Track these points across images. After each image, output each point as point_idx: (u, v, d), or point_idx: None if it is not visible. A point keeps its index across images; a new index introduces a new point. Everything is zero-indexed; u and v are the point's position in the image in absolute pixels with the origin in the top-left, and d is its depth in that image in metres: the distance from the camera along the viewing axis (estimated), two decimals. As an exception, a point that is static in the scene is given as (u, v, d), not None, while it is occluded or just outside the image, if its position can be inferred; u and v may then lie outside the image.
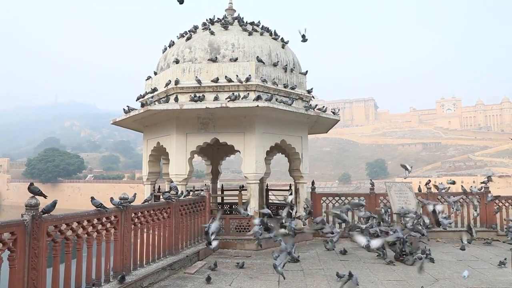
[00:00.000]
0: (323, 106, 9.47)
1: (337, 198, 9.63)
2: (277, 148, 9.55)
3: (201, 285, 5.40)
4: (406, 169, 7.53)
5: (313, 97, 9.61)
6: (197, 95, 7.87)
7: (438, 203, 6.63)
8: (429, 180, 10.09)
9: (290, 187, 11.01)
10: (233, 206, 11.23)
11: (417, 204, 8.44)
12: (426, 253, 6.82)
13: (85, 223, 4.40)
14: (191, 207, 7.01)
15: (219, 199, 11.14)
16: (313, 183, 10.09)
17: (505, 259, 6.43)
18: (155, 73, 9.37)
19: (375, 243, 5.16)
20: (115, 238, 4.89)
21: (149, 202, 6.34)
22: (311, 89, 9.45)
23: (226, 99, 7.67)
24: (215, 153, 11.75)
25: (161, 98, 8.43)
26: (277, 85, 8.51)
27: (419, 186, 10.19)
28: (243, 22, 9.29)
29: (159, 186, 9.89)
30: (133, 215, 5.24)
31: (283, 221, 5.99)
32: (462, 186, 9.32)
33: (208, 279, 5.44)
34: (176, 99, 7.97)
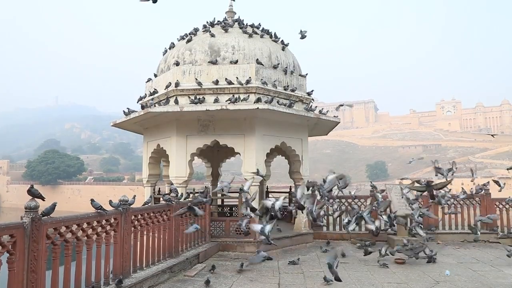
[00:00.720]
0: (322, 109, 9.49)
1: (337, 200, 9.59)
2: (277, 150, 9.55)
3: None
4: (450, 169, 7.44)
5: (312, 99, 9.62)
6: (198, 97, 7.87)
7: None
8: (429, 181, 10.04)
9: (290, 189, 11.00)
10: (233, 209, 11.22)
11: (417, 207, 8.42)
12: (432, 255, 6.83)
13: (84, 225, 4.39)
14: (191, 210, 6.99)
15: (219, 201, 11.12)
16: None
17: None
18: (155, 75, 9.38)
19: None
20: (114, 240, 4.88)
21: (149, 204, 6.33)
22: (311, 91, 9.46)
23: (226, 101, 7.67)
24: (215, 155, 11.75)
25: (161, 100, 8.43)
26: (277, 87, 8.52)
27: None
28: (243, 24, 9.31)
29: (159, 188, 9.88)
30: (133, 217, 5.23)
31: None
32: (462, 188, 9.30)
33: (207, 282, 5.42)
34: (176, 101, 7.97)
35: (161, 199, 7.26)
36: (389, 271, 6.26)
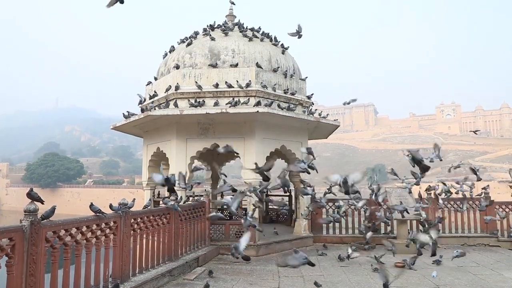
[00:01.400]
0: (322, 112, 9.51)
1: (337, 204, 9.58)
2: (277, 154, 9.54)
3: (200, 291, 5.36)
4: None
5: (312, 103, 9.63)
6: (198, 100, 7.88)
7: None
8: (429, 186, 10.05)
9: (290, 192, 10.98)
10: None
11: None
12: (438, 259, 6.89)
13: (84, 228, 4.38)
14: (191, 213, 6.99)
15: (218, 205, 11.10)
16: (313, 189, 10.04)
17: None
18: (155, 79, 9.39)
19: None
20: (114, 244, 4.87)
21: (149, 207, 6.32)
22: (311, 94, 9.47)
23: (226, 104, 7.68)
24: (215, 158, 11.73)
25: (161, 104, 8.44)
26: (277, 90, 8.53)
27: (419, 191, 10.15)
28: (243, 28, 9.34)
29: (159, 191, 9.87)
30: (132, 220, 5.22)
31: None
32: (462, 191, 9.29)
33: (207, 286, 5.39)
34: (176, 105, 7.98)
35: (160, 202, 7.25)
36: (389, 275, 6.23)
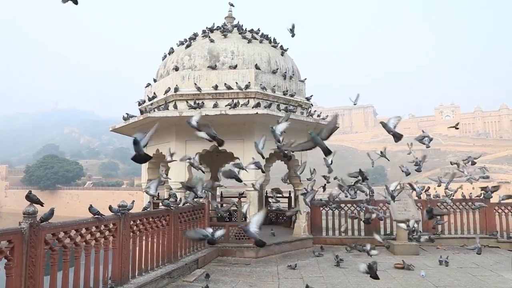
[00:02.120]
0: (321, 113, 9.51)
1: (336, 205, 9.58)
2: (276, 155, 9.54)
3: (200, 293, 5.36)
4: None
5: (311, 104, 9.64)
6: (197, 102, 7.88)
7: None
8: (429, 187, 10.06)
9: (290, 194, 10.98)
10: (232, 214, 11.20)
11: (417, 211, 8.44)
12: (446, 260, 7.02)
13: (83, 231, 4.38)
14: (190, 215, 6.99)
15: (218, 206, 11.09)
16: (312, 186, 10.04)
17: None
18: (155, 80, 9.39)
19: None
20: (113, 246, 4.86)
21: (148, 209, 6.31)
22: (311, 96, 9.48)
23: (225, 106, 7.68)
24: (214, 160, 11.74)
25: (161, 105, 8.43)
26: (276, 92, 8.53)
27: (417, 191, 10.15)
28: (243, 29, 9.35)
29: (158, 193, 9.84)
30: (131, 222, 5.22)
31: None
32: (462, 193, 9.31)
33: (207, 288, 5.39)
34: (176, 106, 7.98)
35: (160, 204, 7.24)
36: (389, 276, 6.23)
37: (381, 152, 6.45)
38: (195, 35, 9.36)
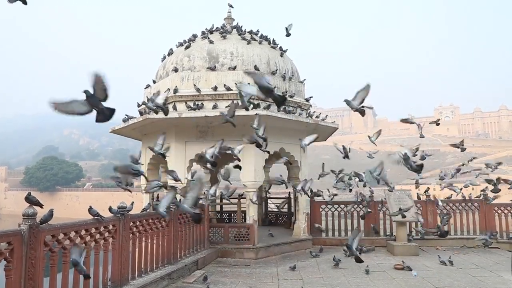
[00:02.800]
0: (320, 114, 9.53)
1: (336, 206, 9.60)
2: (276, 156, 9.54)
3: (199, 294, 5.36)
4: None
5: (311, 105, 9.65)
6: (196, 103, 7.89)
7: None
8: (428, 188, 10.07)
9: (289, 195, 10.99)
10: (232, 215, 11.21)
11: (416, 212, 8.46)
12: (449, 260, 7.10)
13: (83, 232, 4.38)
14: (190, 216, 6.97)
15: (218, 207, 11.09)
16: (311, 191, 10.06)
17: None
18: (154, 82, 9.40)
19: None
20: (113, 247, 4.86)
21: (148, 211, 6.31)
22: (310, 97, 9.49)
23: (225, 107, 7.68)
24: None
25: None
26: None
27: (417, 193, 10.17)
28: (242, 30, 9.36)
29: (158, 194, 9.85)
30: (131, 224, 5.22)
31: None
32: (462, 193, 9.31)
33: (207, 289, 5.38)
34: (175, 108, 7.98)
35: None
36: (388, 277, 6.23)
37: (343, 147, 6.35)
38: (195, 36, 9.38)
